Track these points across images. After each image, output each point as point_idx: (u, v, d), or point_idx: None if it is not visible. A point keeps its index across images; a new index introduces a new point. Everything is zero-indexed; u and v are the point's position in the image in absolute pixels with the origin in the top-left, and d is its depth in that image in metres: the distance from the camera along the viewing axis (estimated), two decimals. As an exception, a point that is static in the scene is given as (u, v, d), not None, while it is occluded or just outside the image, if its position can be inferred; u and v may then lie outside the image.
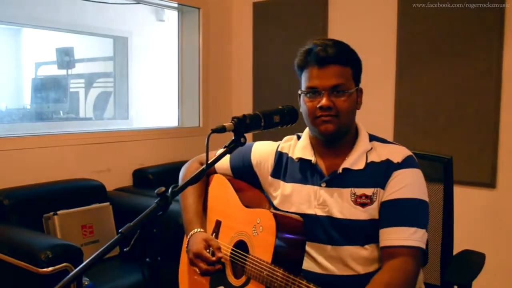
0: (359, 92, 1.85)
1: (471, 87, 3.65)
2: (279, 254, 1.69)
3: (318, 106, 1.76)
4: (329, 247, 1.80)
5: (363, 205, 1.76)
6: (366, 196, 1.76)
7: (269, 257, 1.70)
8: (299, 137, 1.98)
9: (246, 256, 1.80)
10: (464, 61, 3.67)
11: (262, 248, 1.74)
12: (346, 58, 1.79)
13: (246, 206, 1.94)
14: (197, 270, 1.89)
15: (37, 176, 3.52)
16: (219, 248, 1.89)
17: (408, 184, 1.74)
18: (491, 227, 3.66)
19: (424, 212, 1.76)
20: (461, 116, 3.70)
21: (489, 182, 3.62)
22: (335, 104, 1.75)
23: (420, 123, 3.89)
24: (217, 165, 2.13)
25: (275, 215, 1.74)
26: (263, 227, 1.76)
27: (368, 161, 1.80)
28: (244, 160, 2.07)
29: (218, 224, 2.04)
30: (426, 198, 1.77)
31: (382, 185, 1.76)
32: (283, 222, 1.74)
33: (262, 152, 2.05)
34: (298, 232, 1.75)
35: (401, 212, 1.72)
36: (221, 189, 2.11)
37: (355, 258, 1.78)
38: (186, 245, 1.99)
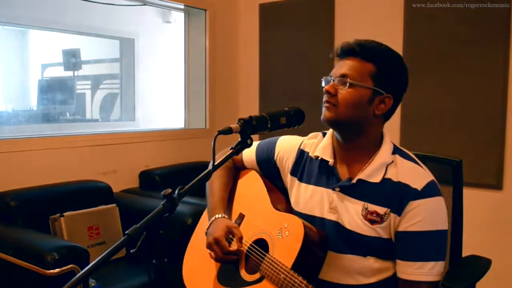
0: (385, 97, 1.73)
1: (478, 89, 3.65)
2: (300, 262, 1.70)
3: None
4: (332, 253, 1.79)
5: (372, 222, 1.72)
6: (378, 214, 1.72)
7: (290, 263, 1.70)
8: (324, 135, 1.95)
9: (265, 255, 1.81)
10: (471, 63, 3.66)
11: (284, 252, 1.75)
12: (368, 54, 1.73)
13: (275, 208, 1.94)
14: (213, 254, 1.89)
15: (44, 177, 3.52)
16: (241, 238, 1.89)
17: (426, 216, 1.68)
18: (497, 229, 3.65)
19: (443, 242, 1.73)
20: (468, 118, 3.69)
21: (496, 184, 3.61)
22: (337, 92, 1.72)
23: (426, 125, 3.88)
24: (245, 159, 2.14)
25: (304, 225, 1.74)
26: (290, 233, 1.77)
27: (386, 176, 1.74)
28: (269, 154, 2.06)
29: (241, 217, 2.04)
30: (445, 227, 1.73)
31: (395, 209, 1.70)
32: (310, 233, 1.74)
33: (285, 147, 2.03)
34: (321, 246, 1.77)
35: (420, 246, 1.68)
36: (252, 185, 2.10)
37: (356, 268, 1.77)
38: (206, 228, 1.97)
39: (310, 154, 1.93)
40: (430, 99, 3.85)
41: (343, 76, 1.72)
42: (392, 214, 1.70)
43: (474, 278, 2.06)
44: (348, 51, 1.75)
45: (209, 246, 1.90)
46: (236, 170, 2.20)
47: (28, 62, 5.48)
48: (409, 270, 1.68)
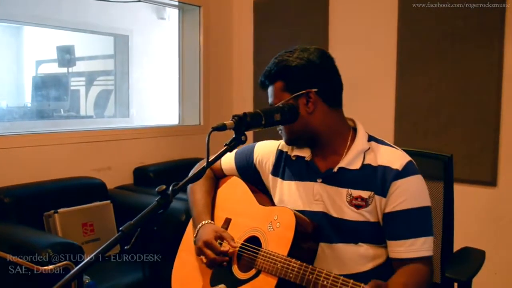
0: (305, 95, 1.78)
1: (472, 86, 3.65)
2: (295, 249, 1.72)
3: None
4: (324, 244, 1.80)
5: (358, 206, 1.76)
6: (362, 199, 1.76)
7: (285, 251, 1.72)
8: None
9: (259, 250, 1.81)
10: (465, 60, 3.66)
11: (278, 243, 1.76)
12: (271, 77, 1.85)
13: (262, 205, 1.96)
14: (204, 259, 1.90)
15: (38, 174, 3.51)
16: (232, 239, 1.90)
17: (411, 194, 1.73)
18: (491, 226, 3.66)
19: (429, 218, 1.77)
20: (462, 115, 3.69)
21: (490, 181, 3.62)
22: None
23: (420, 122, 3.88)
24: (224, 167, 2.17)
25: (294, 213, 1.77)
26: (281, 223, 1.79)
27: (365, 162, 1.79)
28: (248, 160, 2.09)
29: (227, 221, 2.03)
30: (429, 203, 1.78)
31: (378, 191, 1.74)
32: (301, 221, 1.77)
33: (264, 151, 2.07)
34: (314, 234, 1.79)
35: (408, 224, 1.72)
36: (234, 189, 2.12)
37: (349, 256, 1.78)
38: (194, 236, 1.98)
39: (288, 153, 1.97)
40: (424, 95, 3.85)
41: (271, 105, 1.84)
42: (376, 197, 1.75)
43: (474, 269, 2.10)
44: (262, 84, 1.91)
45: (199, 251, 1.91)
46: (216, 179, 2.22)
47: (22, 58, 5.48)
48: (402, 249, 1.71)
